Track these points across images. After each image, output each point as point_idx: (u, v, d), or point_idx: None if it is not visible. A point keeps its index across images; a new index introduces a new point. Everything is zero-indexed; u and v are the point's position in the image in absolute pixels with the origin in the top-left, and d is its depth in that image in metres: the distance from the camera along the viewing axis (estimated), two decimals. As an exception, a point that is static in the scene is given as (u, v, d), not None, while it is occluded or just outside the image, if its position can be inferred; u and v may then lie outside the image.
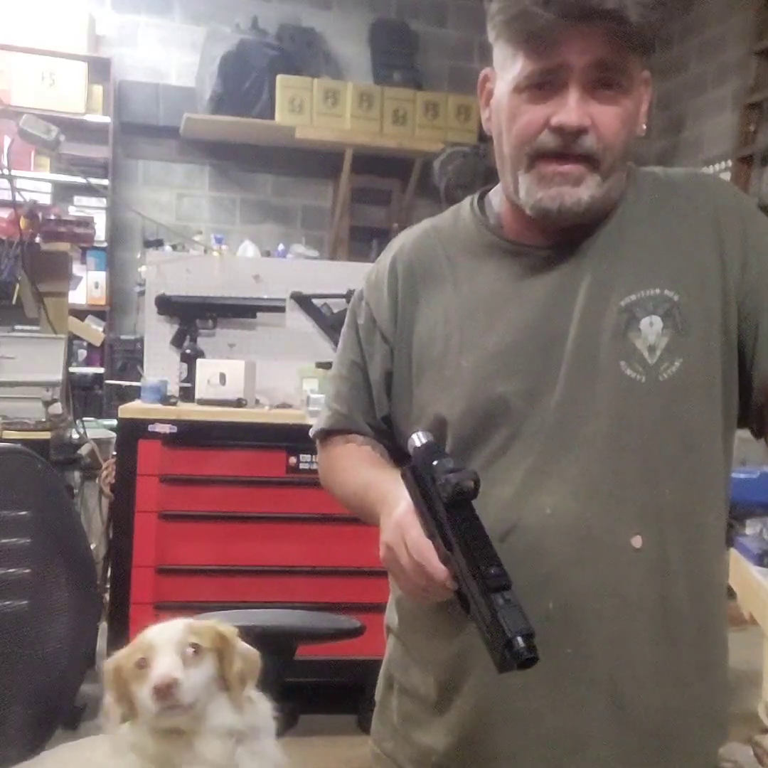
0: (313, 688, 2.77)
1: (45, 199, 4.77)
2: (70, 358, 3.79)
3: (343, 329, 1.24)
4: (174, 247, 4.91)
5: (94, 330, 5.02)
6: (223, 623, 1.36)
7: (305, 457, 2.86)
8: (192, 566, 2.91)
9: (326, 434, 1.25)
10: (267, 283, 3.36)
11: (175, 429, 2.89)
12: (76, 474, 3.23)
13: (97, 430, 3.49)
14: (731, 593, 2.19)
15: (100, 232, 5.01)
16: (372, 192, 5.85)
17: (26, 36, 5.07)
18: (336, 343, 1.32)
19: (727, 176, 5.10)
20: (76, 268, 4.44)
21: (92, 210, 4.96)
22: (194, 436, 2.93)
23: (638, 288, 1.07)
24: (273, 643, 1.50)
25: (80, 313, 4.87)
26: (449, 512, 0.92)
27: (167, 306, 3.29)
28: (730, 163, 5.11)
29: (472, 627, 1.01)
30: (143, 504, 2.87)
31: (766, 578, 2.07)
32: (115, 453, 3.02)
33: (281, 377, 3.26)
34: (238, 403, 3.05)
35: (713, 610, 1.08)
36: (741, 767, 1.01)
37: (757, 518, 2.33)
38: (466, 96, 5.56)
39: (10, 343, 3.02)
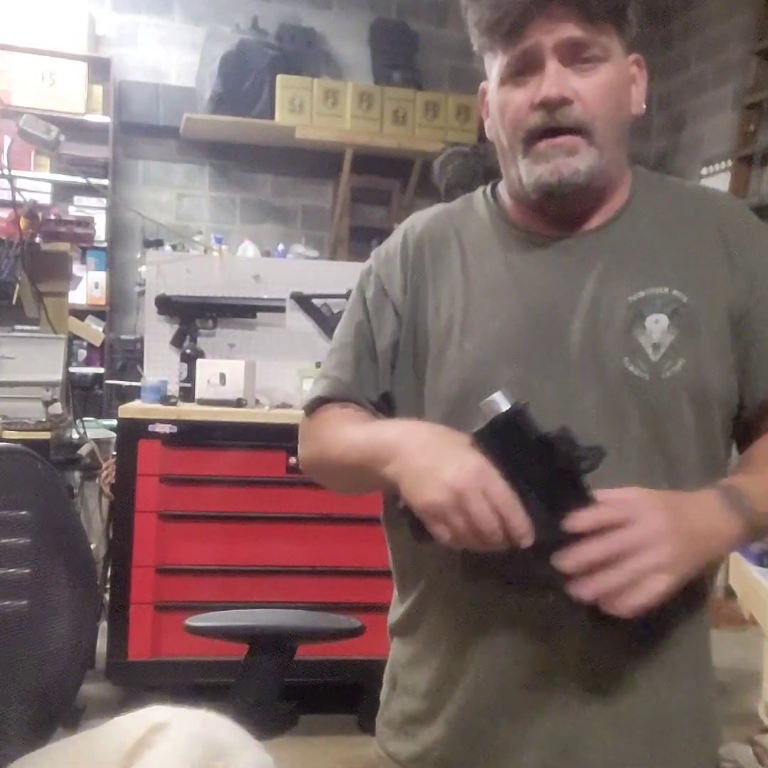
0: (313, 688, 2.77)
1: (45, 199, 4.77)
2: (70, 358, 3.79)
3: (348, 305, 1.22)
4: (174, 247, 4.91)
5: (94, 330, 5.02)
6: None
7: (305, 457, 2.86)
8: (192, 566, 2.91)
9: (320, 404, 1.18)
10: (267, 283, 3.36)
11: (175, 429, 2.89)
12: (76, 474, 3.22)
13: (97, 430, 3.49)
14: (731, 593, 2.19)
15: (100, 232, 5.01)
16: (372, 192, 5.85)
17: (26, 36, 5.07)
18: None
19: (727, 176, 5.10)
20: (76, 268, 4.44)
21: (92, 210, 4.95)
22: (194, 436, 2.93)
23: (647, 285, 1.07)
24: (273, 643, 1.50)
25: (80, 313, 4.87)
26: (569, 483, 0.91)
27: (167, 306, 3.29)
28: (730, 163, 5.11)
29: (471, 619, 1.05)
30: (143, 504, 2.87)
31: (766, 578, 2.07)
32: (115, 453, 3.02)
33: (281, 377, 3.26)
34: (238, 403, 3.05)
35: (699, 608, 1.08)
36: (741, 767, 1.01)
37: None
38: (466, 96, 5.56)
39: (10, 343, 3.02)
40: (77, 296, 4.84)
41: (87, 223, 3.34)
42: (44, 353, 3.03)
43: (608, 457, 0.93)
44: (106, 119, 5.29)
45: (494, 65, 1.09)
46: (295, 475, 2.88)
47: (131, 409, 2.99)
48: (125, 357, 4.72)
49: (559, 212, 1.11)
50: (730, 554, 2.14)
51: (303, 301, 3.34)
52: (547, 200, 1.08)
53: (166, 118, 5.50)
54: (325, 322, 3.28)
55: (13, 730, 1.29)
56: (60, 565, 1.39)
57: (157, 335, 3.32)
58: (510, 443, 0.92)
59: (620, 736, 1.04)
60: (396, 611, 1.20)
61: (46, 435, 2.81)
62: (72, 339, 3.87)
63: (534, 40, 1.04)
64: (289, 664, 1.49)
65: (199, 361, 3.13)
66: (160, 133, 5.57)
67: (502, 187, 1.18)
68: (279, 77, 5.32)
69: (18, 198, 3.08)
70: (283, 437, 2.90)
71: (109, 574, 2.96)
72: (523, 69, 1.06)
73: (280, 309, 3.32)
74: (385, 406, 1.16)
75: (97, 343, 5.10)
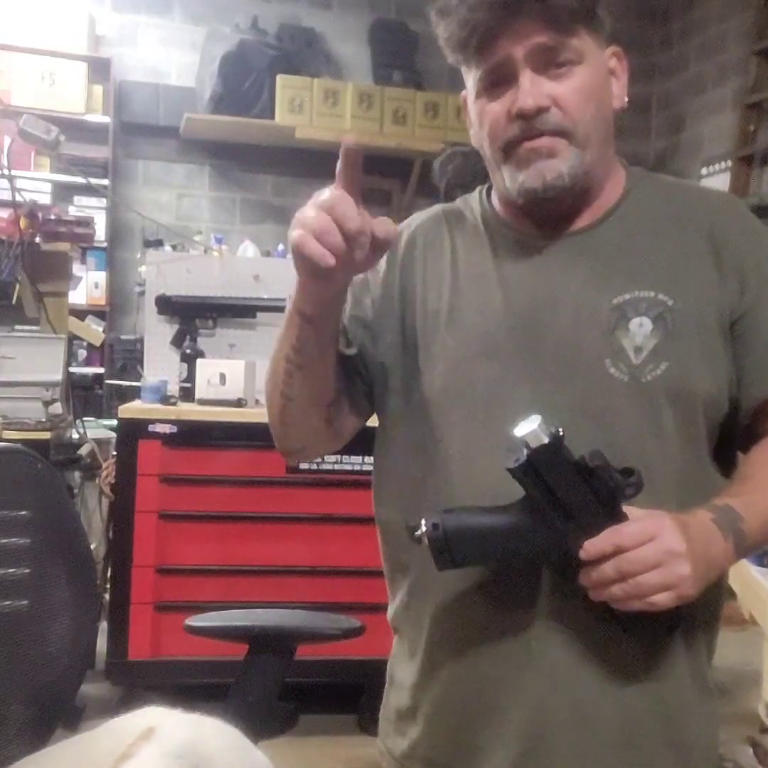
0: (313, 688, 2.78)
1: (45, 199, 4.77)
2: (70, 358, 3.79)
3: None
4: (174, 247, 4.91)
5: (94, 330, 5.02)
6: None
7: (305, 457, 2.86)
8: (192, 566, 2.91)
9: None
10: (267, 283, 3.36)
11: (175, 429, 2.89)
12: (76, 474, 3.23)
13: (97, 430, 3.49)
14: (731, 593, 2.19)
15: (100, 232, 5.01)
16: (372, 192, 5.85)
17: (26, 36, 5.06)
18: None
19: (727, 176, 5.10)
20: (76, 268, 4.44)
21: (92, 210, 4.95)
22: (194, 436, 2.93)
23: (633, 288, 1.07)
24: (273, 643, 1.50)
25: (80, 313, 4.88)
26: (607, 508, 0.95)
27: (167, 306, 3.29)
28: (730, 163, 5.11)
29: (449, 617, 1.07)
30: (143, 504, 2.87)
31: (766, 578, 2.07)
32: (115, 453, 3.02)
33: (281, 377, 3.25)
34: (238, 403, 3.05)
35: (671, 617, 1.05)
36: (741, 767, 1.01)
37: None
38: (466, 96, 5.56)
39: (10, 343, 3.02)
40: (77, 296, 4.84)
41: (87, 223, 3.34)
42: (44, 353, 3.03)
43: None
44: (106, 119, 5.29)
45: (469, 77, 1.10)
46: (295, 475, 2.88)
47: (131, 409, 2.99)
48: (125, 357, 4.72)
49: (545, 214, 1.11)
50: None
51: (303, 301, 3.34)
52: (533, 204, 1.09)
53: (166, 118, 5.50)
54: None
55: (13, 730, 1.29)
56: (60, 565, 1.39)
57: (157, 335, 3.32)
58: (549, 471, 0.94)
59: (587, 738, 1.04)
60: (390, 607, 1.21)
61: (46, 435, 2.81)
62: (72, 339, 3.87)
63: (505, 52, 1.04)
64: (289, 664, 1.49)
65: (199, 361, 3.13)
66: (160, 133, 5.56)
67: (495, 191, 1.19)
68: (279, 77, 5.32)
69: (18, 198, 3.08)
70: (283, 437, 2.90)
71: (109, 574, 2.96)
72: (498, 80, 1.06)
73: (280, 309, 3.30)
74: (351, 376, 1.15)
75: (97, 343, 5.10)
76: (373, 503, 1.21)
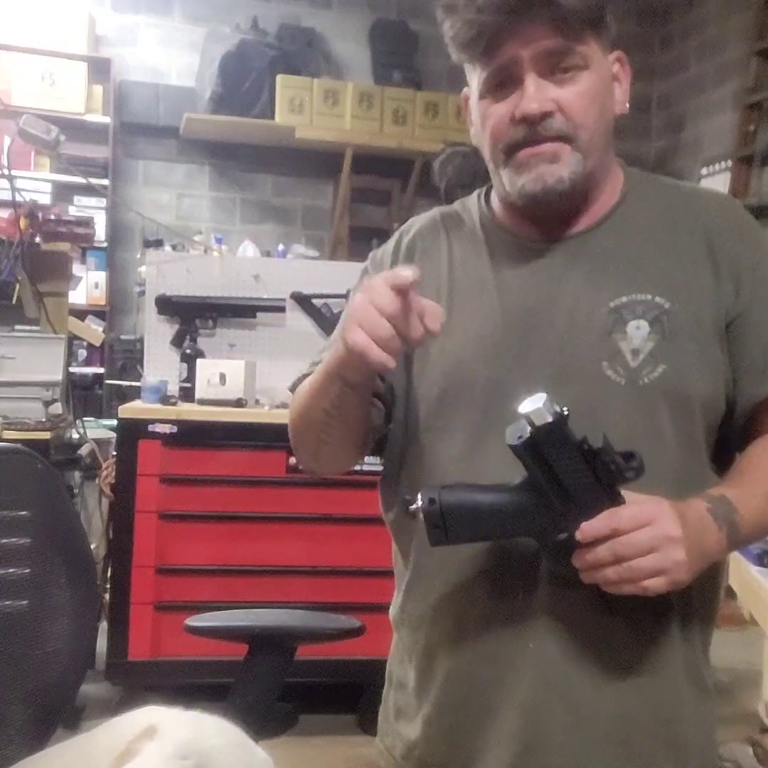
0: (313, 688, 2.78)
1: (45, 199, 4.77)
2: (70, 358, 3.78)
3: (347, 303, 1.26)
4: (174, 247, 4.91)
5: (94, 330, 5.02)
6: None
7: (305, 457, 2.86)
8: (192, 566, 2.91)
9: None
10: (267, 283, 3.36)
11: (175, 429, 2.89)
12: (76, 474, 3.23)
13: (97, 430, 3.48)
14: (731, 593, 2.19)
15: (100, 232, 5.01)
16: (372, 192, 5.85)
17: (26, 36, 5.07)
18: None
19: (726, 176, 5.10)
20: (76, 268, 4.43)
21: (92, 210, 4.96)
22: (194, 436, 2.93)
23: (630, 291, 1.07)
24: (273, 643, 1.50)
25: (80, 313, 4.87)
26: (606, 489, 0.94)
27: (167, 306, 3.29)
28: (730, 163, 5.11)
29: (446, 617, 1.07)
30: (143, 504, 2.87)
31: (766, 578, 2.07)
32: (115, 453, 3.02)
33: (281, 377, 3.23)
34: (238, 403, 3.05)
35: (666, 614, 1.06)
36: (741, 767, 1.01)
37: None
38: (466, 96, 5.57)
39: (10, 343, 3.02)
40: (77, 296, 4.84)
41: (87, 223, 3.34)
42: (44, 353, 3.03)
43: None
44: (106, 119, 5.29)
45: (473, 77, 1.09)
46: (295, 475, 2.88)
47: (131, 409, 2.99)
48: (125, 357, 4.72)
49: (544, 216, 1.11)
50: (730, 555, 2.14)
51: (303, 301, 3.34)
52: (533, 207, 1.09)
53: (166, 118, 5.50)
54: (325, 322, 3.28)
55: (13, 730, 1.29)
56: (60, 565, 1.38)
57: (157, 335, 3.32)
58: (551, 450, 0.93)
59: (583, 738, 1.04)
60: (393, 605, 1.21)
61: (46, 435, 2.81)
62: (72, 339, 3.87)
63: (511, 54, 1.03)
64: (289, 664, 1.49)
65: (199, 361, 3.13)
66: (160, 133, 5.57)
67: (493, 192, 1.19)
68: (279, 77, 5.32)
69: (18, 198, 3.08)
70: (283, 437, 2.86)
71: (109, 574, 2.96)
72: (502, 82, 1.05)
73: (280, 309, 3.31)
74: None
75: (97, 343, 5.10)
76: (381, 506, 1.22)
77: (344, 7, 5.86)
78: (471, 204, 1.21)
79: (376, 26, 5.86)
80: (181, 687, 2.65)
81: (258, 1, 5.67)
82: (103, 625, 2.88)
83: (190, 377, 3.12)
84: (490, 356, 1.08)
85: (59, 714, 1.37)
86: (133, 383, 3.82)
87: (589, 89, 1.05)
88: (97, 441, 3.18)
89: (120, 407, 3.02)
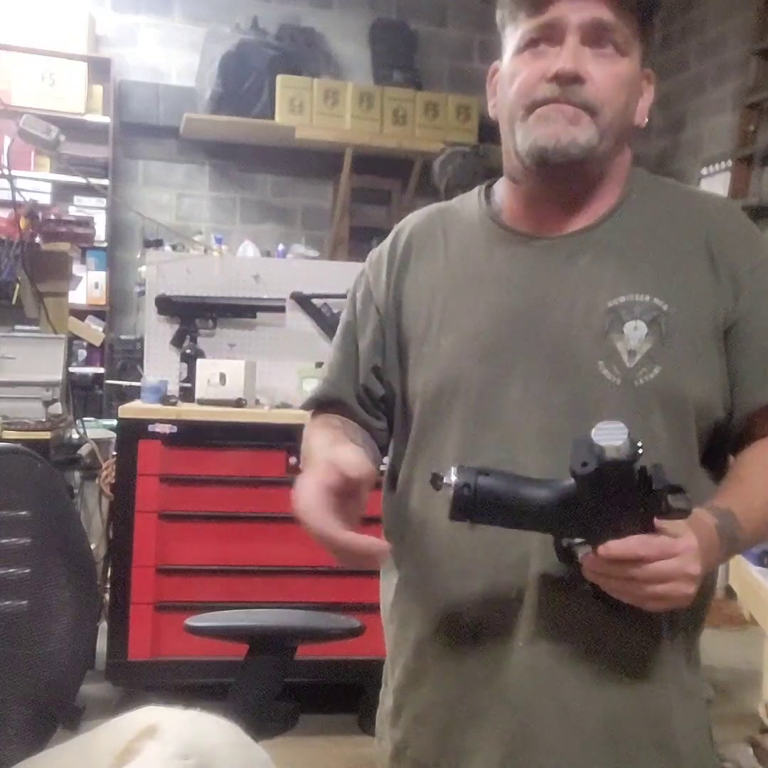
0: (313, 688, 2.77)
1: (45, 199, 4.77)
2: (70, 358, 3.79)
3: (346, 304, 1.26)
4: (174, 247, 4.91)
5: (94, 330, 5.02)
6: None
7: (305, 457, 2.86)
8: (192, 566, 2.91)
9: (318, 405, 1.24)
10: (267, 283, 3.36)
11: (175, 429, 2.89)
12: (76, 474, 3.23)
13: (97, 430, 3.48)
14: (731, 593, 2.19)
15: (100, 232, 5.01)
16: (372, 192, 5.85)
17: (26, 36, 5.07)
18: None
19: (726, 176, 5.10)
20: (76, 268, 4.44)
21: (92, 210, 4.95)
22: (194, 436, 2.93)
23: (628, 291, 1.06)
24: (273, 643, 1.50)
25: (80, 313, 4.87)
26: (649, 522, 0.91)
27: (167, 306, 3.29)
28: (730, 163, 5.11)
29: (436, 617, 1.06)
30: (143, 504, 2.87)
31: (766, 578, 2.07)
32: (115, 453, 3.02)
33: (281, 377, 3.26)
34: (238, 403, 3.05)
35: (657, 616, 1.04)
36: (741, 767, 1.00)
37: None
38: (466, 96, 5.57)
39: (10, 343, 3.02)
40: (77, 296, 4.84)
41: (87, 223, 3.34)
42: (44, 353, 3.03)
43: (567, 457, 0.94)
44: (106, 119, 5.29)
45: (514, 37, 1.08)
46: (295, 475, 2.87)
47: (131, 409, 2.99)
48: (125, 357, 4.72)
49: (549, 188, 1.09)
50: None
51: (303, 301, 3.34)
52: (541, 166, 1.06)
53: (166, 118, 5.50)
54: (325, 322, 3.28)
55: (13, 730, 1.29)
56: (60, 565, 1.39)
57: (157, 335, 3.32)
58: (611, 485, 0.89)
59: (572, 738, 1.04)
60: (382, 604, 1.22)
61: (46, 435, 2.81)
62: (72, 339, 3.87)
63: (560, 14, 1.03)
64: (289, 664, 1.49)
65: (199, 361, 3.13)
66: (160, 133, 5.57)
67: (497, 187, 1.19)
68: (279, 77, 5.32)
69: (18, 198, 3.08)
70: (283, 437, 2.90)
71: (109, 574, 2.96)
72: (543, 40, 1.05)
73: (280, 309, 3.31)
74: (368, 399, 1.19)
75: (97, 343, 5.10)
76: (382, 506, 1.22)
77: (344, 7, 5.86)
78: (470, 200, 1.21)
79: (376, 26, 5.86)
80: (181, 687, 2.64)
81: (258, 1, 5.67)
82: (103, 625, 2.88)
83: (190, 377, 3.12)
84: (485, 353, 1.08)
85: (59, 714, 1.37)
86: (133, 383, 3.82)
87: (622, 75, 1.05)
88: (97, 441, 3.18)
89: (120, 407, 3.02)
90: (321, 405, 1.23)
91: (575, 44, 1.03)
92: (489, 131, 4.11)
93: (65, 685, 1.39)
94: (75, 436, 3.12)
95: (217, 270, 3.38)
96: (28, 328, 3.25)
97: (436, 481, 0.95)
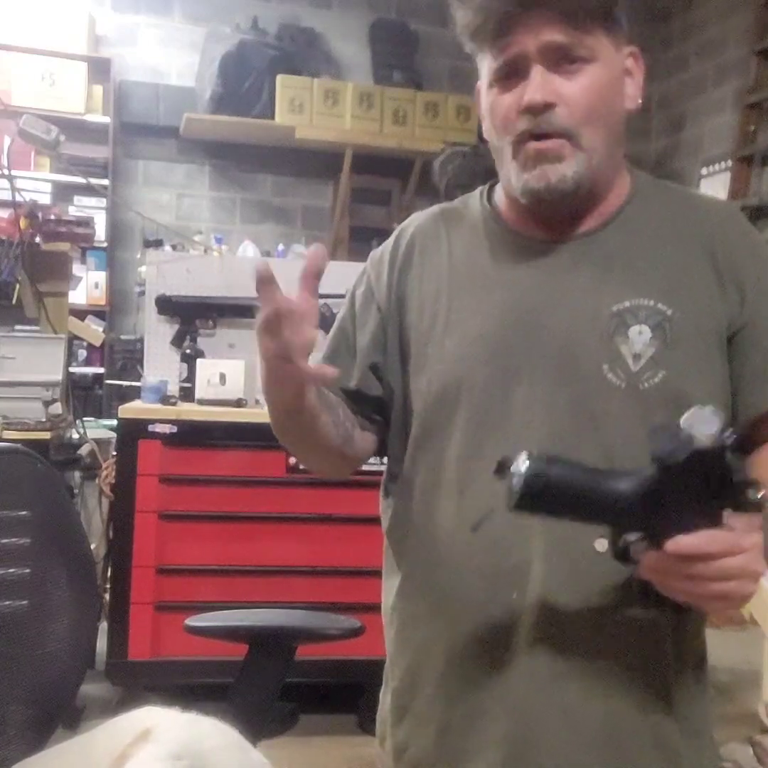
0: (313, 688, 2.77)
1: (45, 199, 4.77)
2: (70, 358, 3.78)
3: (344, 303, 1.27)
4: (174, 247, 4.91)
5: (94, 330, 5.01)
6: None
7: (305, 457, 2.86)
8: (192, 566, 2.91)
9: None
10: (267, 283, 3.35)
11: (175, 429, 2.89)
12: (76, 474, 3.23)
13: (97, 430, 3.48)
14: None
15: (100, 232, 5.01)
16: (372, 192, 5.85)
17: (26, 36, 5.06)
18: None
19: (726, 176, 5.10)
20: (76, 268, 4.43)
21: (92, 210, 4.95)
22: (194, 436, 2.92)
23: (633, 296, 1.07)
24: (273, 643, 1.50)
25: (80, 313, 4.86)
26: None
27: (167, 306, 3.29)
28: (730, 163, 5.11)
29: (437, 619, 1.06)
30: (143, 504, 2.87)
31: (767, 578, 2.06)
32: (115, 453, 3.02)
33: (281, 377, 3.25)
34: (238, 403, 3.05)
35: (660, 618, 1.05)
36: (741, 767, 1.00)
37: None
38: (466, 96, 5.56)
39: (10, 343, 3.02)
40: (77, 296, 4.83)
41: (87, 223, 3.34)
42: (44, 353, 3.03)
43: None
44: (106, 119, 5.29)
45: (483, 66, 1.10)
46: (295, 475, 2.88)
47: (131, 409, 2.99)
48: (125, 357, 4.72)
49: (549, 214, 1.11)
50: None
51: (303, 301, 3.34)
52: (537, 204, 1.09)
53: (166, 118, 5.50)
54: (325, 322, 3.26)
55: (13, 730, 1.29)
56: (60, 565, 1.38)
57: (157, 335, 3.32)
58: (695, 473, 0.85)
59: (573, 740, 1.04)
60: (384, 605, 1.21)
61: (46, 435, 2.81)
62: (72, 339, 3.87)
63: (518, 47, 1.04)
64: (289, 664, 1.49)
65: (199, 361, 3.13)
66: (160, 133, 5.57)
67: (499, 188, 1.19)
68: (279, 77, 5.32)
69: (18, 198, 3.08)
70: (283, 437, 2.90)
71: (109, 574, 2.96)
72: (511, 73, 1.06)
73: (280, 309, 3.31)
74: (359, 399, 1.18)
75: (97, 343, 5.10)
76: (380, 506, 1.22)
77: (344, 7, 5.86)
78: (473, 201, 1.21)
79: (376, 26, 5.86)
80: (181, 687, 2.65)
81: (258, 1, 5.67)
82: (103, 625, 2.87)
83: (190, 377, 3.12)
84: (489, 355, 1.08)
85: (59, 714, 1.37)
86: (133, 383, 3.82)
87: (595, 83, 1.05)
88: (97, 441, 3.18)
89: (120, 407, 3.02)
90: None
91: (540, 72, 1.04)
92: (489, 131, 4.09)
93: (65, 685, 1.39)
94: (75, 436, 3.12)
95: (217, 270, 3.38)
96: (28, 328, 3.25)
97: (502, 468, 0.90)
